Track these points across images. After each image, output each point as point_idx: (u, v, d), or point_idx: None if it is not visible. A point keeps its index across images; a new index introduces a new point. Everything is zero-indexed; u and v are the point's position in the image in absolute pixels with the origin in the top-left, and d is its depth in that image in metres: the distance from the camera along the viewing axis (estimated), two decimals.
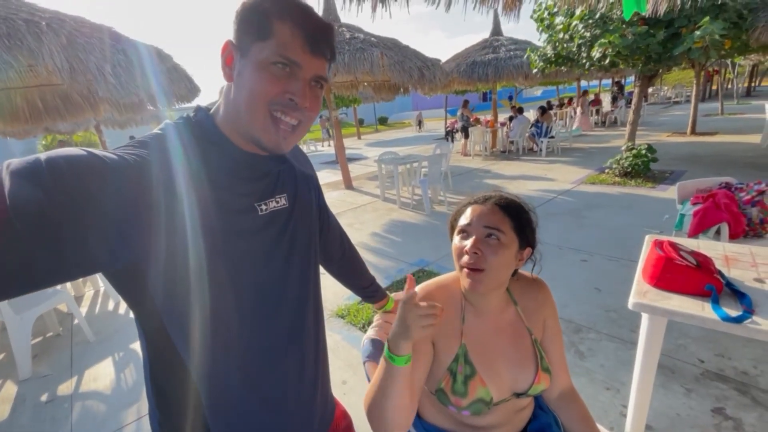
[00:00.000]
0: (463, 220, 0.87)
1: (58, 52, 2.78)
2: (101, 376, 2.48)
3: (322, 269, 1.05)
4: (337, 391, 2.09)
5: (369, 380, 1.02)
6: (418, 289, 0.92)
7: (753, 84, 23.88)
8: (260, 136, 0.60)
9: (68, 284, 3.77)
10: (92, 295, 3.80)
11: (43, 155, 0.42)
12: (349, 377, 2.21)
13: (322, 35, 0.60)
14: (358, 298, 2.97)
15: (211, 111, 0.66)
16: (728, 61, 14.57)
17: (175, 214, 0.54)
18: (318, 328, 0.81)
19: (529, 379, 0.88)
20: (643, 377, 1.47)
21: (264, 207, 0.67)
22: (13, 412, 2.23)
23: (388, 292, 1.19)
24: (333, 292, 3.18)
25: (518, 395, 0.89)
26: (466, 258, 0.82)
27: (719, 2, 4.52)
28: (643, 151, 5.78)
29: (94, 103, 4.91)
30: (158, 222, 0.52)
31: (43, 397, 2.33)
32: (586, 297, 2.77)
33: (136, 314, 0.61)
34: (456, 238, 0.88)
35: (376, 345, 1.14)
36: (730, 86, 20.35)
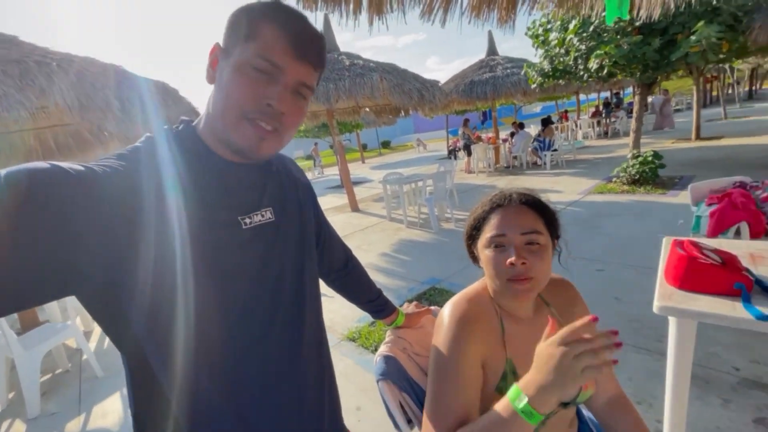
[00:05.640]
0: (494, 230, 0.78)
1: (68, 90, 2.87)
2: (110, 412, 2.41)
3: (325, 287, 1.01)
4: (351, 418, 1.99)
5: (385, 402, 0.96)
6: (449, 307, 0.85)
7: (754, 87, 23.91)
8: (236, 138, 0.57)
9: (78, 318, 3.75)
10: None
11: (4, 170, 0.40)
12: (364, 403, 2.11)
13: (309, 40, 0.58)
14: (369, 320, 2.89)
15: (194, 122, 0.64)
16: (726, 66, 14.63)
17: (150, 228, 0.50)
18: (320, 353, 0.75)
19: None
20: (677, 387, 1.37)
21: (248, 221, 0.63)
22: None
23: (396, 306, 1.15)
24: (342, 315, 3.11)
25: (565, 405, 0.82)
26: (511, 271, 0.74)
27: (713, 6, 4.57)
28: (650, 158, 5.72)
29: (105, 140, 5.03)
30: (130, 237, 0.48)
31: None
32: (606, 307, 2.67)
33: (113, 340, 0.56)
34: (487, 251, 0.79)
35: (390, 362, 1.08)
36: (731, 91, 20.38)
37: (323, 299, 0.83)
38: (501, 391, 0.78)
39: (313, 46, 0.58)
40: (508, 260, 0.74)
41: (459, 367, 0.76)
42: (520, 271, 0.74)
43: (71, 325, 2.86)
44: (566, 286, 0.93)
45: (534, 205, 0.81)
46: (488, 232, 0.79)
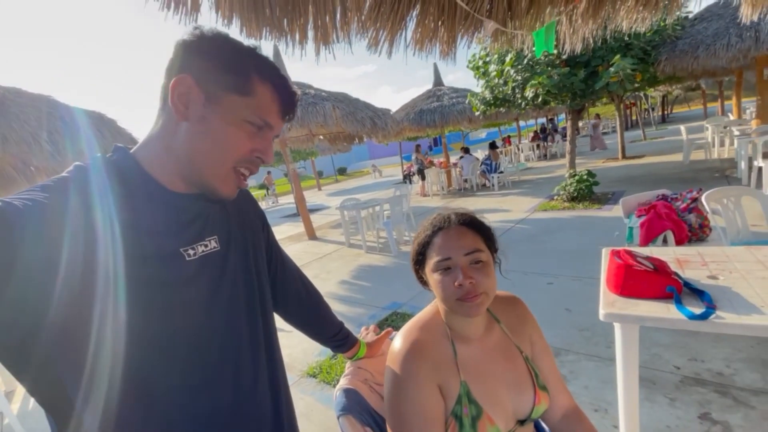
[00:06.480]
0: (439, 254, 0.80)
1: None
2: None
3: (283, 322, 0.96)
4: None
5: None
6: (400, 337, 0.85)
7: (666, 112, 27.22)
8: (218, 186, 0.59)
9: None
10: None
11: None
12: None
13: (293, 103, 0.64)
14: (330, 353, 2.79)
15: (133, 150, 0.60)
16: (642, 94, 16.54)
17: (77, 266, 0.45)
18: (277, 389, 0.71)
19: (529, 401, 0.82)
20: (627, 390, 1.44)
21: (192, 252, 0.59)
22: None
23: (358, 337, 1.11)
24: (302, 349, 2.98)
25: (522, 422, 0.82)
26: (461, 291, 0.76)
27: (625, 42, 5.21)
28: (585, 176, 6.22)
29: (30, 176, 4.60)
30: (55, 278, 0.44)
31: None
32: (558, 319, 2.78)
33: (31, 392, 0.49)
34: (435, 276, 0.80)
35: (351, 396, 1.03)
36: (647, 116, 22.99)
37: (280, 334, 0.79)
38: (456, 415, 0.77)
39: (294, 106, 0.65)
40: (456, 282, 0.76)
41: (418, 404, 0.76)
42: (469, 290, 0.76)
43: None
44: (516, 303, 0.95)
45: (472, 224, 0.84)
46: (434, 257, 0.81)
